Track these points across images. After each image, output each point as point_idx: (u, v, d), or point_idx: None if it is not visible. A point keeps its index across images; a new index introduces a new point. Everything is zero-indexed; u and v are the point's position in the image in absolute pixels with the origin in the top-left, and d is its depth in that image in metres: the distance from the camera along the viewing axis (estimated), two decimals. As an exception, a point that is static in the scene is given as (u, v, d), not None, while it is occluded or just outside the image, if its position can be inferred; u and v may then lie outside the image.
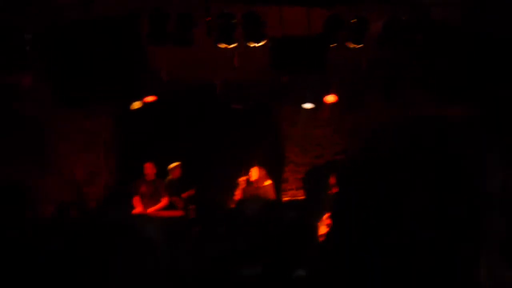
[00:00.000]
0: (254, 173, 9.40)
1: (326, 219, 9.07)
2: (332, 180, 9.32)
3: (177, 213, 8.86)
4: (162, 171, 9.33)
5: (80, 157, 9.55)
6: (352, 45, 6.91)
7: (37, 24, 6.09)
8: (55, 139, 8.95)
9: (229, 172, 10.00)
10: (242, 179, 9.47)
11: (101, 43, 5.78)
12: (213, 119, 10.49)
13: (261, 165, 9.57)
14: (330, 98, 9.83)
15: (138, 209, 8.70)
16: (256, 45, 6.76)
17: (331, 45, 6.86)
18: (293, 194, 11.10)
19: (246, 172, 9.49)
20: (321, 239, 4.77)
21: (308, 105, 10.00)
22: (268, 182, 9.45)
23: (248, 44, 6.75)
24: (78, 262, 3.28)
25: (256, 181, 9.38)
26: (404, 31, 6.68)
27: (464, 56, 6.61)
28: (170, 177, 9.45)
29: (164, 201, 8.97)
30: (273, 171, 11.06)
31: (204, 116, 10.46)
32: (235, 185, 9.59)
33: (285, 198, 10.85)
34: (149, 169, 9.05)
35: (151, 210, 8.79)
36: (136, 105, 8.98)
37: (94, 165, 9.85)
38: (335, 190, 9.30)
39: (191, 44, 6.54)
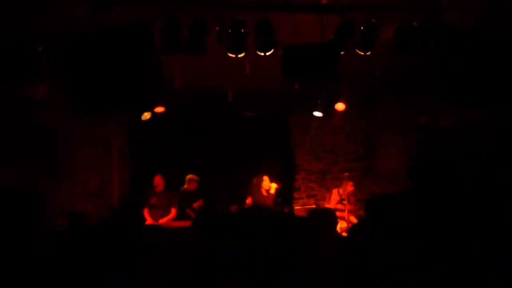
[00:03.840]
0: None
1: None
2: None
3: (188, 223, 8.85)
4: (175, 180, 9.34)
5: (93, 166, 9.56)
6: (361, 52, 6.90)
7: (52, 34, 6.12)
8: (68, 148, 8.96)
9: (241, 180, 10.00)
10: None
11: (114, 52, 5.79)
12: (225, 127, 10.50)
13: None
14: (340, 106, 9.82)
15: (148, 221, 8.71)
16: (266, 54, 6.75)
17: (342, 52, 6.84)
18: (303, 203, 11.05)
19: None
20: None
21: (318, 113, 10.00)
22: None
23: (258, 52, 6.74)
24: (90, 272, 3.27)
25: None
26: (417, 37, 6.65)
27: (477, 61, 6.58)
28: (185, 186, 9.46)
29: (173, 212, 9.02)
30: (285, 179, 11.07)
31: (216, 124, 10.47)
32: (246, 192, 9.63)
33: (296, 207, 10.79)
34: (159, 181, 9.12)
35: (162, 221, 8.80)
36: (147, 115, 9.03)
37: (107, 174, 9.86)
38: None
39: (204, 52, 6.55)
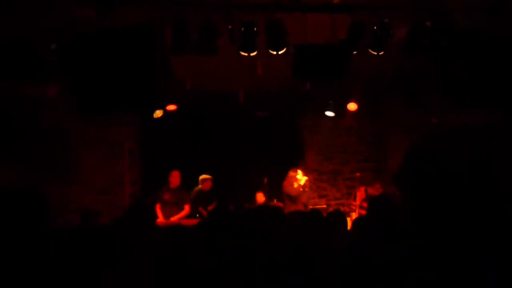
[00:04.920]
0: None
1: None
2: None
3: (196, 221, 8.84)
4: (185, 180, 9.34)
5: (103, 166, 9.60)
6: (373, 52, 6.87)
7: (61, 35, 6.15)
8: (79, 148, 9.01)
9: (251, 180, 10.00)
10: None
11: (124, 52, 5.79)
12: (236, 127, 10.51)
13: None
14: (352, 106, 9.80)
15: (160, 217, 8.71)
16: (278, 53, 6.74)
17: (354, 52, 6.81)
18: (315, 202, 11.04)
19: None
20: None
21: (330, 113, 9.98)
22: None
23: (270, 51, 6.73)
24: (100, 271, 3.28)
25: None
26: (429, 37, 6.61)
27: (488, 62, 6.52)
28: (200, 187, 9.46)
29: (186, 209, 8.99)
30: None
31: (227, 124, 10.48)
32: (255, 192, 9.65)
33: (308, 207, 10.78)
34: (175, 177, 9.07)
35: (174, 218, 8.80)
36: (158, 113, 9.05)
37: (118, 174, 9.90)
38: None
39: (215, 53, 6.54)
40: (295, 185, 9.55)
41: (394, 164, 10.03)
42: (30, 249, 2.86)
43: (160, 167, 9.52)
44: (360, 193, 9.72)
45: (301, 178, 9.55)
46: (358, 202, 9.58)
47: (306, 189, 9.55)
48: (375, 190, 9.41)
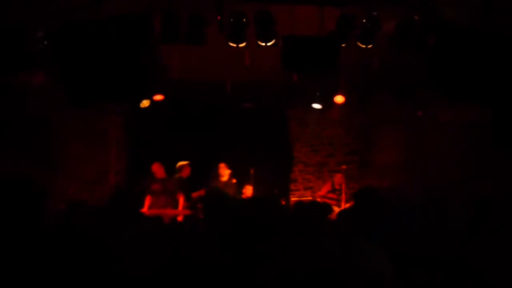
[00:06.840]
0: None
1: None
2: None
3: (185, 212, 8.79)
4: (172, 170, 9.29)
5: (90, 155, 9.53)
6: (362, 45, 6.89)
7: (49, 23, 6.08)
8: (65, 137, 8.93)
9: (238, 171, 9.97)
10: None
11: (112, 42, 5.74)
12: (223, 118, 10.49)
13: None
14: (339, 99, 9.82)
15: (151, 208, 8.63)
16: (266, 44, 6.74)
17: (342, 45, 6.82)
18: (300, 194, 11.07)
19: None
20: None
21: (317, 105, 9.98)
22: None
23: (259, 43, 6.72)
24: (86, 261, 3.24)
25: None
26: (416, 31, 6.64)
27: (476, 57, 6.56)
28: (178, 175, 9.36)
29: (181, 200, 8.91)
30: (282, 171, 11.09)
31: (214, 115, 10.46)
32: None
33: (293, 199, 10.81)
34: (157, 168, 9.00)
35: (170, 211, 8.72)
36: (145, 103, 8.98)
37: (104, 163, 9.84)
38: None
39: (203, 42, 6.53)
40: (222, 180, 9.45)
41: (380, 157, 10.15)
42: (18, 242, 2.82)
43: (147, 157, 9.46)
44: (326, 186, 10.01)
45: (225, 173, 9.48)
46: (323, 193, 9.84)
47: (233, 181, 9.49)
48: (337, 180, 9.79)
